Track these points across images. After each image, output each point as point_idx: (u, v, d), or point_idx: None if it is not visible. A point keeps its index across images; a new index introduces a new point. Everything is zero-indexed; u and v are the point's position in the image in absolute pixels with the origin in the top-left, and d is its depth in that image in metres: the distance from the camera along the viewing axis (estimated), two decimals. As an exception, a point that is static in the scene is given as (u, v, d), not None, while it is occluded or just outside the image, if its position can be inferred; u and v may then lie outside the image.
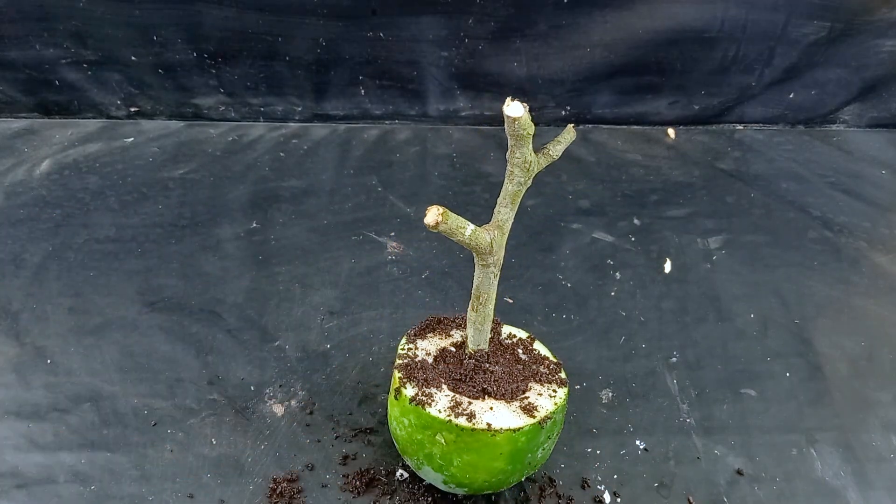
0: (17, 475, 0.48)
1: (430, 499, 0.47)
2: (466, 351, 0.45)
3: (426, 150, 0.83)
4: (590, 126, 0.89)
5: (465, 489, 0.44)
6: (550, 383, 0.44)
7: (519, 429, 0.40)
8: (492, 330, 0.45)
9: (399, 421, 0.43)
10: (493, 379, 0.43)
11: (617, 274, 0.66)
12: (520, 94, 0.86)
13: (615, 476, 0.49)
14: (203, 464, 0.49)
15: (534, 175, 0.39)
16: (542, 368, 0.45)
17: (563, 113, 0.88)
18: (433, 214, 0.36)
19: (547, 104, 0.87)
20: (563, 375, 0.45)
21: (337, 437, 0.51)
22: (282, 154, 0.81)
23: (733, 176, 0.81)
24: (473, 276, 0.42)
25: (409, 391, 0.42)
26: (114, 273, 0.64)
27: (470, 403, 0.41)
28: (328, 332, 0.59)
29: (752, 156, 0.85)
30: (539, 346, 0.47)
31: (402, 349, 0.46)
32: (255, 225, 0.70)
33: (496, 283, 0.42)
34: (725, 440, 0.52)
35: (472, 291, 0.43)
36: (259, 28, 0.79)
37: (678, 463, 0.50)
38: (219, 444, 0.50)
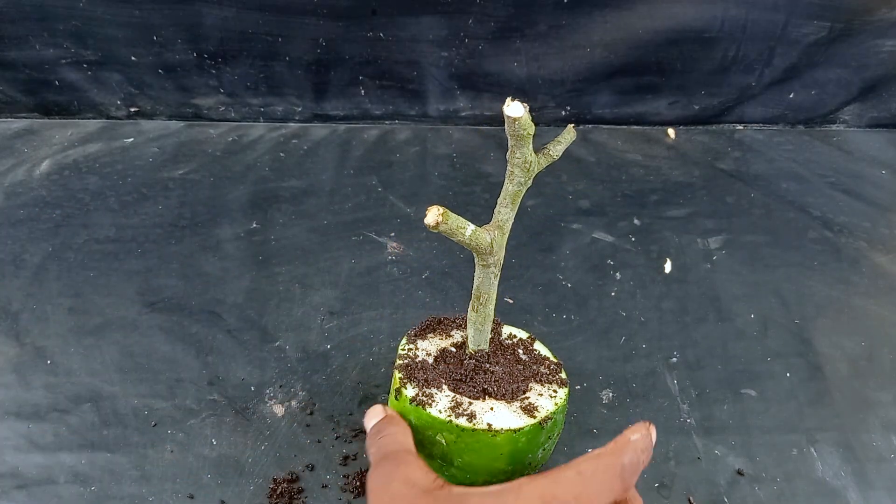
0: (17, 475, 0.48)
1: (430, 499, 0.47)
2: (467, 351, 0.45)
3: (426, 150, 0.83)
4: (590, 126, 0.89)
5: None
6: (551, 383, 0.44)
7: (519, 429, 0.40)
8: (492, 330, 0.45)
9: None
10: (493, 379, 0.43)
11: (617, 274, 0.66)
12: (520, 94, 0.86)
13: None
14: (203, 464, 0.49)
15: (534, 175, 0.39)
16: (542, 369, 0.45)
17: (563, 113, 0.88)
18: (433, 215, 0.35)
19: (547, 104, 0.87)
20: (563, 376, 0.45)
21: (337, 438, 0.51)
22: (282, 154, 0.81)
23: (733, 176, 0.81)
24: (474, 276, 0.42)
25: (410, 391, 0.42)
26: (114, 273, 0.64)
27: (470, 404, 0.41)
28: (328, 332, 0.59)
29: (752, 156, 0.85)
30: (539, 347, 0.47)
31: (403, 349, 0.45)
32: (255, 225, 0.70)
33: (496, 283, 0.42)
34: (726, 440, 0.52)
35: (473, 292, 0.43)
36: (259, 28, 0.79)
37: (678, 463, 0.50)
38: (219, 445, 0.50)
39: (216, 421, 0.52)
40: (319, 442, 0.50)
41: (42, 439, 0.50)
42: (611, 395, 0.55)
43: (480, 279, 0.42)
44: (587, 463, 0.35)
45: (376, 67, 0.83)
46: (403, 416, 0.42)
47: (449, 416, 0.40)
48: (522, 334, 0.48)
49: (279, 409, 0.53)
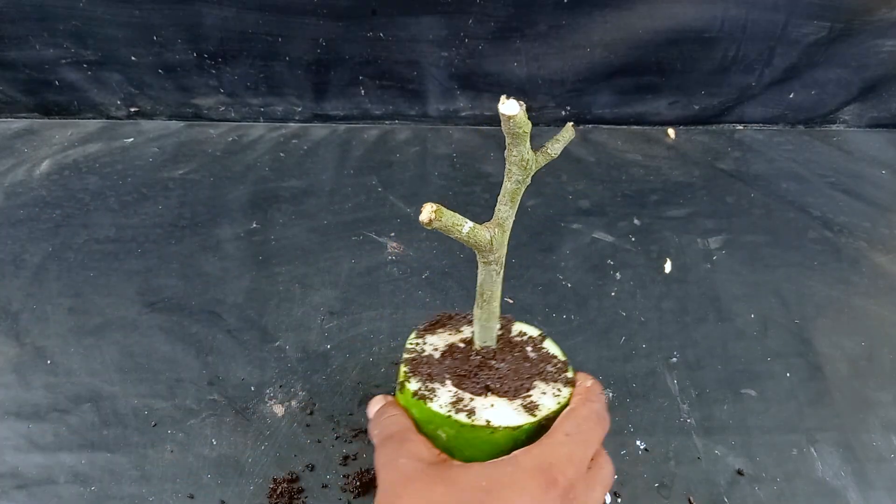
0: (17, 475, 0.48)
1: (430, 499, 0.47)
2: (474, 347, 0.45)
3: (426, 150, 0.83)
4: (590, 126, 0.89)
5: None
6: (556, 382, 0.44)
7: (518, 427, 0.40)
8: (503, 327, 0.45)
9: None
10: (497, 376, 0.43)
11: (617, 274, 0.66)
12: (520, 94, 0.86)
13: (615, 476, 0.49)
14: (203, 464, 0.49)
15: (532, 173, 0.39)
16: (548, 367, 0.45)
17: (563, 113, 0.88)
18: (427, 211, 0.35)
19: (547, 104, 0.87)
20: (569, 374, 0.44)
21: (337, 438, 0.51)
22: (282, 154, 0.81)
23: (733, 176, 0.81)
24: (477, 274, 0.42)
25: (413, 385, 0.42)
26: (114, 273, 0.64)
27: (471, 400, 0.41)
28: (328, 332, 0.59)
29: (752, 156, 0.85)
30: (549, 345, 0.47)
31: (411, 343, 0.45)
32: (255, 225, 0.70)
33: (500, 280, 0.42)
34: (726, 440, 0.52)
35: (477, 289, 0.43)
36: (259, 28, 0.79)
37: (678, 463, 0.50)
38: (219, 445, 0.50)
39: (216, 421, 0.52)
40: (319, 442, 0.51)
41: (42, 439, 0.50)
42: (611, 395, 0.55)
43: (483, 277, 0.42)
44: (568, 423, 0.39)
45: (376, 67, 0.83)
46: (406, 409, 0.42)
47: (449, 411, 0.40)
48: (534, 332, 0.48)
49: (279, 409, 0.53)
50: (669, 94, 0.87)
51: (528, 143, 0.38)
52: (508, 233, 0.41)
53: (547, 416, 0.41)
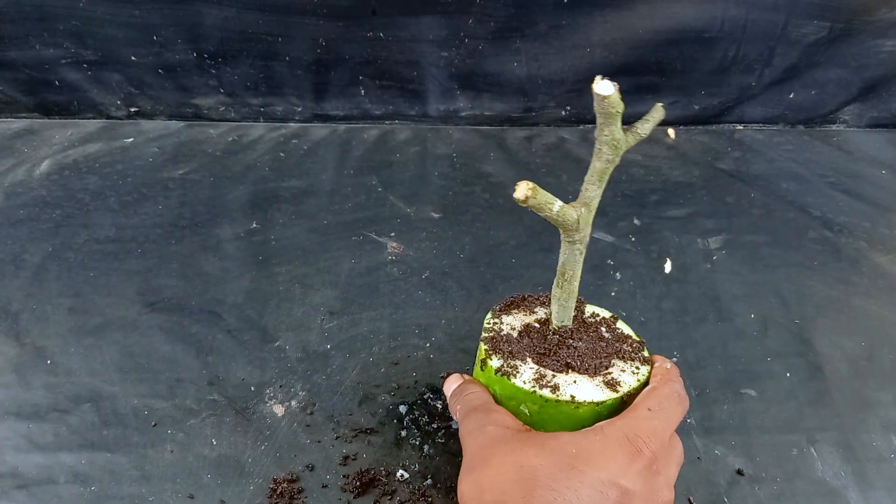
0: (17, 475, 0.48)
1: (430, 499, 0.47)
2: (550, 327, 0.46)
3: (426, 150, 0.83)
4: (590, 126, 0.89)
5: None
6: (633, 360, 0.44)
7: (602, 402, 0.41)
8: (575, 308, 0.46)
9: None
10: (576, 354, 0.44)
11: (617, 274, 0.66)
12: (520, 94, 0.86)
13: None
14: (203, 464, 0.49)
15: (622, 153, 0.40)
16: (625, 346, 0.46)
17: (563, 113, 0.88)
18: (523, 189, 0.36)
19: (547, 104, 0.87)
20: (645, 354, 0.45)
21: (337, 438, 0.51)
22: (282, 154, 0.81)
23: (733, 176, 0.81)
24: (559, 252, 0.43)
25: (495, 362, 0.43)
26: (114, 273, 0.64)
27: (554, 376, 0.42)
28: (328, 332, 0.59)
29: (752, 156, 0.85)
30: (622, 326, 0.48)
31: (488, 323, 0.46)
32: (255, 225, 0.70)
33: (581, 259, 0.43)
34: (726, 440, 0.52)
35: (558, 268, 0.43)
36: (259, 28, 0.79)
37: (678, 463, 0.50)
38: (219, 445, 0.50)
39: (216, 421, 0.52)
40: (319, 442, 0.50)
41: (42, 439, 0.50)
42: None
43: (566, 255, 0.42)
44: (651, 399, 0.40)
45: (376, 67, 0.83)
46: (488, 386, 0.44)
47: (533, 387, 0.41)
48: (605, 313, 0.49)
49: (279, 409, 0.53)
50: (669, 94, 0.87)
51: (619, 123, 0.38)
52: (594, 212, 0.42)
53: (628, 391, 0.42)
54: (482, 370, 0.44)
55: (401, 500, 0.47)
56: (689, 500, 0.48)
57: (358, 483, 0.47)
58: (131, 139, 0.82)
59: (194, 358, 0.56)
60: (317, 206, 0.73)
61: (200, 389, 0.54)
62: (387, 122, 0.88)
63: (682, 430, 0.53)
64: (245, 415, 0.52)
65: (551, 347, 0.44)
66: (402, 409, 0.53)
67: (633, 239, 0.71)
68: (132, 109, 0.85)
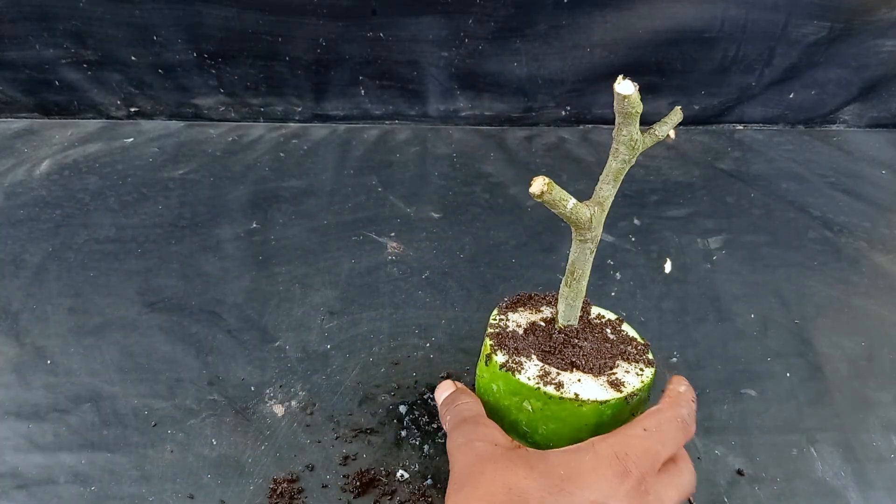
0: (17, 475, 0.48)
1: (430, 499, 0.47)
2: (556, 326, 0.46)
3: (426, 150, 0.83)
4: (590, 126, 0.89)
5: None
6: (638, 362, 0.45)
7: (606, 401, 0.41)
8: (581, 309, 0.46)
9: (487, 387, 0.44)
10: (581, 353, 0.44)
11: (617, 274, 0.66)
12: (520, 94, 0.86)
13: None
14: (203, 464, 0.49)
15: (638, 154, 0.40)
16: (629, 348, 0.46)
17: (563, 113, 0.88)
18: (539, 184, 0.37)
19: (547, 104, 0.87)
20: (650, 356, 0.45)
21: (337, 438, 0.51)
22: (282, 154, 0.81)
23: (733, 176, 0.81)
24: (570, 251, 0.43)
25: (500, 358, 0.43)
26: (114, 273, 0.64)
27: (558, 374, 0.42)
28: (328, 332, 0.59)
29: (752, 156, 0.85)
30: (627, 328, 0.48)
31: (494, 320, 0.47)
32: (255, 225, 0.70)
33: (591, 259, 0.43)
34: (726, 440, 0.52)
35: (567, 267, 0.43)
36: (259, 28, 0.79)
37: (678, 463, 0.50)
38: (219, 445, 0.50)
39: (216, 421, 0.52)
40: (319, 442, 0.50)
41: (42, 439, 0.50)
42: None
43: (576, 254, 0.43)
44: (650, 419, 0.39)
45: (376, 67, 0.83)
46: (492, 381, 0.44)
47: (537, 383, 0.41)
48: (611, 315, 0.49)
49: (279, 409, 0.53)
50: (669, 94, 0.87)
51: (637, 124, 0.38)
52: (607, 212, 0.42)
53: (632, 392, 0.42)
54: (486, 365, 0.44)
55: (401, 500, 0.47)
56: (690, 500, 0.48)
57: (358, 483, 0.47)
58: (131, 139, 0.82)
59: (194, 358, 0.56)
60: (317, 206, 0.73)
61: (200, 389, 0.54)
62: (387, 122, 0.88)
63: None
64: (245, 415, 0.52)
65: (556, 346, 0.44)
66: (402, 409, 0.53)
67: (633, 239, 0.71)
68: (132, 109, 0.85)
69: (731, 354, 0.59)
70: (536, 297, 0.50)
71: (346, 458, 0.49)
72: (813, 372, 0.58)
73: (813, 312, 0.63)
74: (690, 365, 0.58)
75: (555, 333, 0.45)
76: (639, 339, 0.47)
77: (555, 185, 0.37)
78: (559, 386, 0.41)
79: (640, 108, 0.37)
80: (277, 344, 0.58)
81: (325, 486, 0.48)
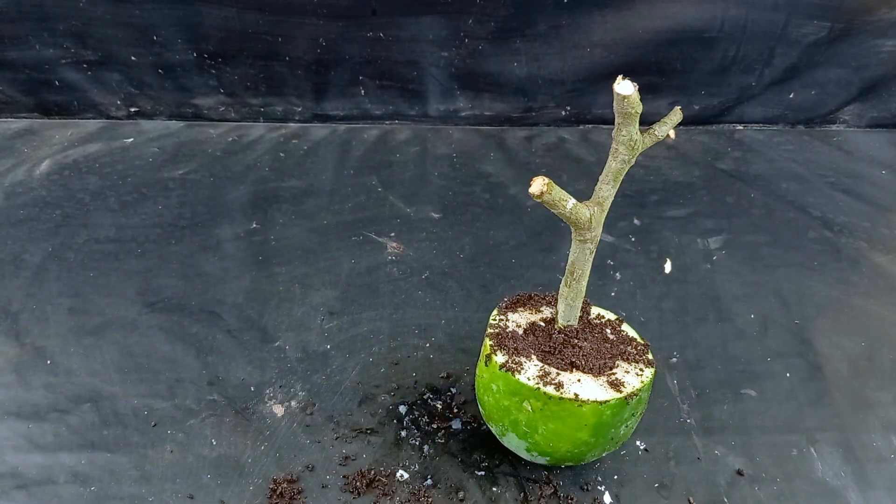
0: (17, 475, 0.48)
1: (430, 499, 0.47)
2: (556, 326, 0.46)
3: (426, 150, 0.83)
4: (590, 126, 0.89)
5: (548, 458, 0.45)
6: (637, 363, 0.45)
7: (605, 402, 0.41)
8: (581, 309, 0.46)
9: (487, 387, 0.44)
10: (581, 354, 0.44)
11: (617, 274, 0.66)
12: (520, 94, 0.86)
13: (615, 476, 0.49)
14: (203, 464, 0.49)
15: (638, 154, 0.40)
16: (629, 348, 0.46)
17: (563, 113, 0.88)
18: (538, 184, 0.37)
19: (547, 104, 0.87)
20: (650, 357, 0.45)
21: (337, 438, 0.51)
22: (282, 154, 0.81)
23: (733, 176, 0.81)
24: (569, 251, 0.43)
25: (500, 358, 0.43)
26: (114, 273, 0.64)
27: (558, 374, 0.42)
28: (328, 332, 0.59)
29: (752, 156, 0.85)
30: (627, 328, 0.48)
31: (494, 320, 0.47)
32: (255, 225, 0.70)
33: (591, 259, 0.43)
34: (726, 440, 0.52)
35: (567, 267, 0.43)
36: (259, 28, 0.79)
37: (678, 463, 0.50)
38: (219, 445, 0.50)
39: (216, 421, 0.52)
40: (319, 442, 0.50)
41: (42, 439, 0.50)
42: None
43: (576, 255, 0.43)
44: None
45: (376, 67, 0.83)
46: (492, 381, 0.44)
47: (537, 383, 0.41)
48: (611, 315, 0.49)
49: (279, 410, 0.53)
50: (669, 94, 0.87)
51: (637, 124, 0.38)
52: (607, 212, 0.42)
53: (632, 392, 0.42)
54: (486, 365, 0.44)
55: (400, 500, 0.47)
56: (689, 500, 0.48)
57: (358, 483, 0.47)
58: (131, 139, 0.82)
59: (194, 358, 0.56)
60: (317, 206, 0.73)
61: (200, 389, 0.54)
62: (387, 122, 0.88)
63: (682, 430, 0.53)
64: (245, 415, 0.52)
65: (556, 346, 0.45)
66: (402, 409, 0.53)
67: (633, 239, 0.71)
68: (132, 109, 0.85)
69: (731, 354, 0.59)
70: (536, 298, 0.50)
71: (346, 458, 0.49)
72: (813, 372, 0.58)
73: (813, 312, 0.63)
74: (690, 365, 0.58)
75: (555, 333, 0.45)
76: (639, 340, 0.47)
77: (554, 185, 0.37)
78: (559, 386, 0.41)
79: (639, 108, 0.37)
80: (277, 344, 0.58)
81: (324, 487, 0.48)
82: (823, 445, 0.52)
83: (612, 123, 0.37)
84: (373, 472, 0.48)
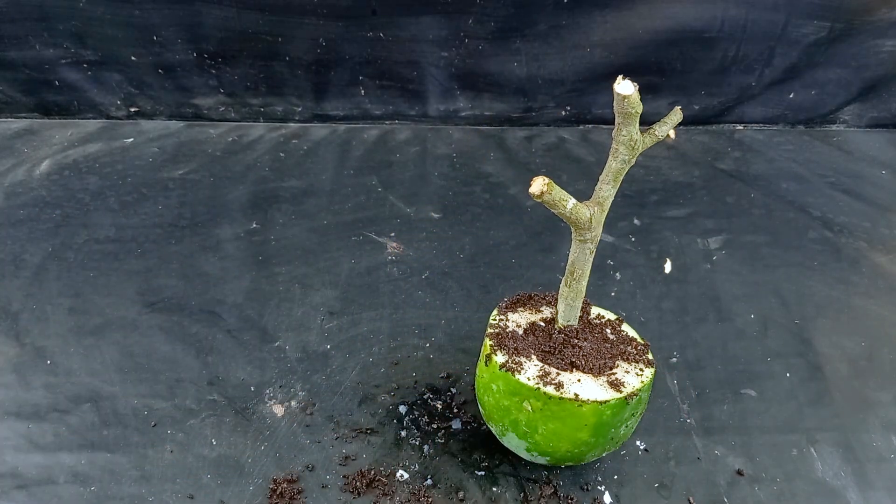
0: (17, 476, 0.48)
1: (430, 499, 0.47)
2: (556, 326, 0.46)
3: (426, 150, 0.83)
4: (590, 126, 0.89)
5: (548, 458, 0.45)
6: (637, 363, 0.45)
7: (605, 402, 0.41)
8: (581, 309, 0.46)
9: (487, 387, 0.44)
10: (581, 354, 0.44)
11: (617, 274, 0.66)
12: (520, 94, 0.86)
13: (615, 476, 0.49)
14: (203, 464, 0.49)
15: (638, 154, 0.40)
16: (629, 348, 0.46)
17: (563, 113, 0.88)
18: (539, 184, 0.37)
19: (547, 104, 0.87)
20: (650, 356, 0.45)
21: (337, 438, 0.51)
22: (282, 154, 0.81)
23: (733, 176, 0.81)
24: (569, 251, 0.43)
25: (500, 358, 0.43)
26: (114, 273, 0.64)
27: (558, 374, 0.42)
28: (328, 332, 0.59)
29: (752, 156, 0.85)
30: (627, 328, 0.48)
31: (494, 320, 0.47)
32: (255, 225, 0.70)
33: (591, 259, 0.43)
34: (726, 440, 0.52)
35: (567, 267, 0.44)
36: (259, 28, 0.79)
37: (678, 463, 0.50)
38: (219, 445, 0.50)
39: (216, 421, 0.52)
40: (319, 442, 0.50)
41: (42, 439, 0.50)
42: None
43: (576, 255, 0.43)
44: None
45: (376, 67, 0.83)
46: (492, 381, 0.44)
47: (537, 383, 0.41)
48: (611, 315, 0.49)
49: (279, 410, 0.53)
50: (669, 94, 0.87)
51: (637, 124, 0.39)
52: (607, 212, 0.42)
53: (632, 392, 0.42)
54: (486, 365, 0.44)
55: (400, 500, 0.47)
56: (689, 500, 0.48)
57: (358, 483, 0.47)
58: (131, 139, 0.82)
59: (194, 358, 0.56)
60: (317, 206, 0.73)
61: (200, 389, 0.54)
62: (387, 122, 0.88)
63: (682, 430, 0.53)
64: (245, 415, 0.52)
65: (556, 346, 0.45)
66: (402, 409, 0.53)
67: (633, 239, 0.71)
68: (132, 109, 0.85)
69: (731, 354, 0.59)
70: (536, 298, 0.50)
71: (346, 458, 0.49)
72: (813, 372, 0.58)
73: (813, 312, 0.63)
74: (690, 365, 0.58)
75: (554, 333, 0.45)
76: (639, 340, 0.47)
77: (554, 185, 0.37)
78: (559, 386, 0.41)
79: (639, 108, 0.37)
80: (277, 344, 0.58)
81: (324, 487, 0.48)
82: (823, 445, 0.52)
83: (612, 123, 0.37)
84: (373, 472, 0.48)
